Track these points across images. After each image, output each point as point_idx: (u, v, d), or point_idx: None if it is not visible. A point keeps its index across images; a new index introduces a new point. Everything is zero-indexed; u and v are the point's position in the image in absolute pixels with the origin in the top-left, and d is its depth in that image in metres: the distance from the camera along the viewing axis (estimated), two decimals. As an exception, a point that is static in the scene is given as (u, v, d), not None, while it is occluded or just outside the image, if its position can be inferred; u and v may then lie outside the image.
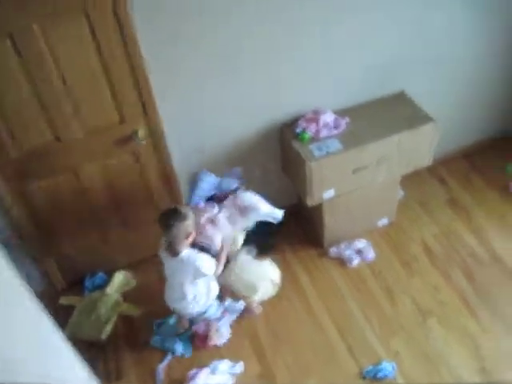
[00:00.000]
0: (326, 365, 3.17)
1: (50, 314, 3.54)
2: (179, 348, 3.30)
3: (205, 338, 3.32)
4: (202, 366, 3.20)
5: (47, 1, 2.53)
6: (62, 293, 3.74)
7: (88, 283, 3.72)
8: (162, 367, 3.23)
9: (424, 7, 3.30)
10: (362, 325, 3.31)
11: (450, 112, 3.92)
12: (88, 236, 3.57)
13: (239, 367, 3.18)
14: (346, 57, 3.33)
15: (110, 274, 3.72)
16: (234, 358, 3.23)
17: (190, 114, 3.21)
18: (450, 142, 4.16)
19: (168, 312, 3.34)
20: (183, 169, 3.46)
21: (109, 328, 3.46)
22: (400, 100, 3.54)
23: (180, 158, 3.40)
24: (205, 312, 3.12)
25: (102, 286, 3.68)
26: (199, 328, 3.36)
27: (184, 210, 2.85)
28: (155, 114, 3.09)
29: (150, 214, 3.56)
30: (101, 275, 3.76)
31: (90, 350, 3.38)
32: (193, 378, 3.10)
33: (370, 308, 3.39)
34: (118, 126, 3.08)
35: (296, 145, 3.30)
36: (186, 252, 2.87)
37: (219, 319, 3.34)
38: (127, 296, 3.65)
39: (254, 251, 3.25)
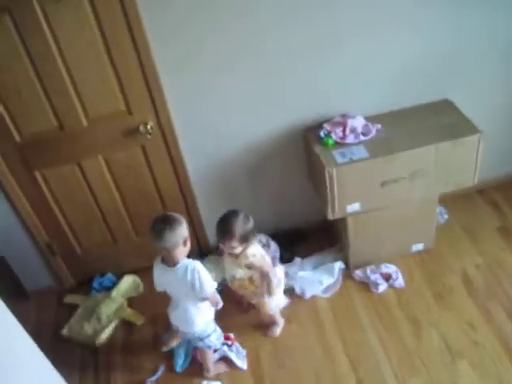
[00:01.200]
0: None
1: (55, 310, 3.52)
2: (178, 362, 3.04)
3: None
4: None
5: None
6: (70, 290, 3.62)
7: (96, 283, 3.58)
8: (152, 380, 2.98)
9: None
10: (379, 358, 2.89)
11: (507, 128, 3.49)
12: (95, 233, 3.43)
13: (232, 392, 2.87)
14: (382, 57, 3.01)
15: (119, 277, 3.56)
16: (230, 381, 2.93)
17: (204, 113, 3.05)
18: (507, 164, 3.71)
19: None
20: (196, 172, 3.26)
21: (106, 334, 3.28)
22: (443, 108, 3.15)
23: (192, 163, 3.21)
24: (207, 336, 2.83)
25: (109, 288, 3.51)
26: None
27: (176, 215, 2.60)
28: (164, 107, 2.92)
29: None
30: (110, 276, 3.60)
31: (83, 352, 3.24)
32: None
33: (390, 340, 2.97)
34: (124, 116, 2.94)
35: (318, 149, 2.99)
36: (184, 262, 2.61)
37: (217, 350, 3.04)
38: (133, 302, 3.47)
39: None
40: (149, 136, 2.98)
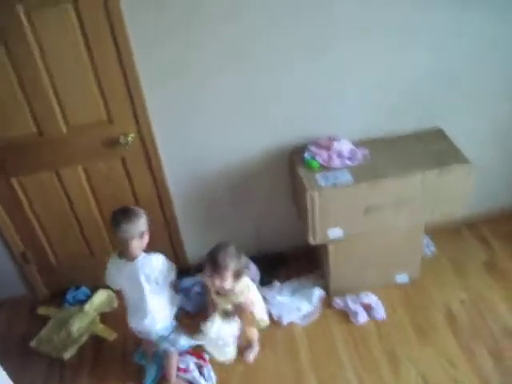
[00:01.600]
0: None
1: (26, 321, 3.41)
2: (150, 376, 2.93)
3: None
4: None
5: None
6: (44, 302, 3.52)
7: (69, 296, 3.48)
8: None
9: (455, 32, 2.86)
10: (354, 393, 2.79)
11: (499, 162, 3.40)
12: (71, 244, 3.33)
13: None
14: (373, 81, 2.93)
15: (94, 290, 3.45)
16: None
17: (187, 128, 2.97)
18: (498, 199, 3.60)
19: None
20: (177, 187, 3.17)
21: (75, 348, 3.17)
22: (434, 137, 3.07)
23: (173, 179, 3.13)
24: (171, 333, 2.79)
25: (83, 302, 3.41)
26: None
27: (136, 208, 2.65)
28: (146, 118, 2.85)
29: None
30: (84, 290, 3.51)
31: (50, 365, 3.14)
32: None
33: (367, 375, 2.83)
34: (105, 125, 2.86)
35: (302, 171, 2.90)
36: (143, 255, 2.64)
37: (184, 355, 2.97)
38: (106, 317, 3.36)
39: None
40: (128, 148, 2.90)
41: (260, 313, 2.88)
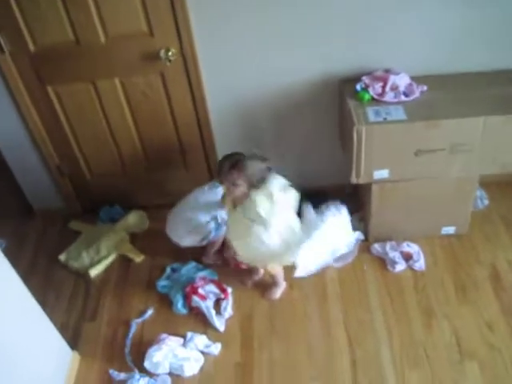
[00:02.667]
0: (316, 373, 2.54)
1: (57, 234, 3.40)
2: (178, 303, 2.85)
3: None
4: (177, 333, 2.73)
5: None
6: (77, 216, 3.50)
7: (102, 214, 3.45)
8: (137, 321, 2.82)
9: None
10: (381, 341, 2.61)
11: None
12: (107, 162, 3.25)
13: (215, 348, 2.65)
14: (443, 9, 2.62)
15: (127, 211, 3.41)
16: (215, 338, 2.71)
17: (232, 48, 2.77)
18: None
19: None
20: (217, 111, 3.00)
21: (102, 266, 3.14)
22: (508, 80, 2.75)
23: (213, 100, 2.95)
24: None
25: (115, 220, 3.37)
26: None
27: None
28: (189, 33, 2.67)
29: (175, 156, 3.21)
30: (117, 209, 3.46)
31: (76, 282, 3.11)
32: (161, 341, 2.65)
33: (397, 325, 2.68)
34: (145, 37, 2.70)
35: (351, 103, 2.68)
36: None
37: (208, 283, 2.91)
38: (135, 238, 3.31)
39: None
40: (168, 63, 2.73)
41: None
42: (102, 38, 2.70)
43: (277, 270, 2.83)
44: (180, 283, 2.95)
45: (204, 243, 2.98)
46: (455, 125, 2.55)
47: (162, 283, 3.00)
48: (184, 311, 2.85)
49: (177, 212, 2.95)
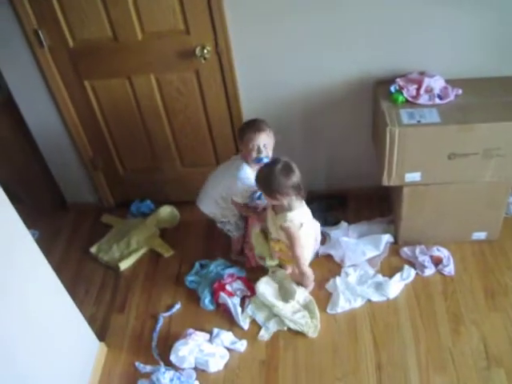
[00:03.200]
0: (341, 374, 2.53)
1: (90, 227, 3.46)
2: (205, 299, 2.88)
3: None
4: (204, 329, 2.76)
5: None
6: (109, 210, 3.57)
7: (133, 208, 3.50)
8: (164, 315, 2.86)
9: None
10: (407, 345, 2.59)
11: None
12: (140, 157, 3.30)
13: (241, 345, 2.67)
14: (481, 12, 2.59)
15: (157, 206, 3.45)
16: (241, 335, 2.73)
17: (267, 46, 2.79)
18: None
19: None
20: (250, 110, 2.99)
21: (132, 260, 3.19)
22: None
23: (247, 98, 2.97)
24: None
25: (146, 215, 3.42)
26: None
27: None
28: (225, 31, 2.69)
29: (207, 153, 3.25)
30: (148, 203, 3.51)
31: (106, 274, 3.18)
32: (188, 336, 2.68)
33: (424, 329, 2.65)
34: (181, 35, 2.74)
35: (384, 105, 2.67)
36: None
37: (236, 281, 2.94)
38: (165, 234, 3.35)
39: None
40: (204, 60, 2.76)
41: (298, 260, 2.70)
42: (139, 35, 2.74)
43: (306, 270, 2.84)
44: (208, 279, 2.98)
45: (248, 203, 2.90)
46: (489, 129, 2.51)
47: (190, 278, 3.03)
48: (211, 307, 2.88)
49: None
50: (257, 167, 2.63)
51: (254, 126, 2.64)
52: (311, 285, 2.89)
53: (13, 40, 2.78)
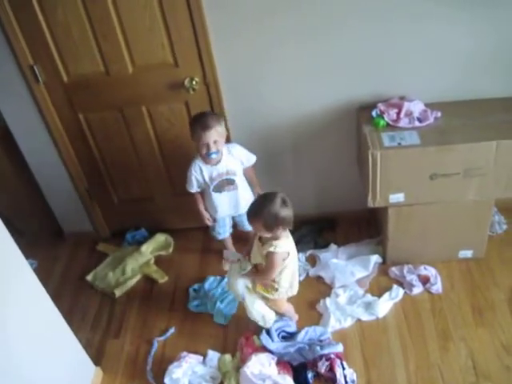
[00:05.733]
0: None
1: (86, 256, 3.54)
2: (219, 315, 2.97)
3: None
4: (197, 351, 2.81)
5: None
6: (104, 240, 3.66)
7: (129, 236, 3.59)
8: (159, 340, 2.91)
9: None
10: (396, 363, 2.64)
11: None
12: (134, 187, 3.41)
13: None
14: (455, 38, 2.72)
15: (152, 233, 3.53)
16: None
17: (253, 77, 2.90)
18: None
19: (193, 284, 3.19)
20: (239, 136, 3.09)
21: (127, 287, 3.26)
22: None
23: (235, 129, 3.07)
24: None
25: (141, 243, 3.49)
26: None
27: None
28: (211, 63, 2.81)
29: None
30: (143, 231, 3.59)
31: (102, 300, 3.24)
32: (181, 359, 2.73)
33: (413, 347, 2.70)
34: (171, 68, 2.86)
35: (367, 129, 2.77)
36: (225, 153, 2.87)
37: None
38: (160, 260, 3.42)
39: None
40: (192, 92, 2.88)
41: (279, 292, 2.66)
42: (130, 69, 2.86)
43: (282, 306, 2.83)
44: (210, 298, 3.05)
45: None
46: (468, 149, 2.61)
47: (194, 303, 3.10)
48: (223, 322, 2.95)
49: None
50: (209, 161, 2.83)
51: (202, 123, 2.70)
52: (294, 316, 2.90)
53: (9, 75, 2.90)
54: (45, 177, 3.38)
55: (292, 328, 2.84)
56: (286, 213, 2.41)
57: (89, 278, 3.34)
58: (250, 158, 2.95)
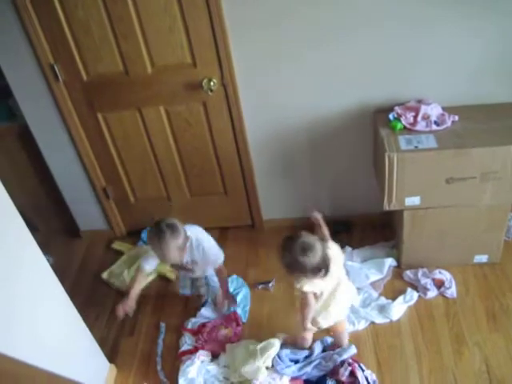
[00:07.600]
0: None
1: (102, 254, 3.57)
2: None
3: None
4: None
5: None
6: (120, 238, 3.70)
7: (144, 235, 3.59)
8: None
9: None
10: (410, 366, 2.63)
11: None
12: (150, 185, 3.43)
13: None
14: (473, 43, 2.71)
15: (167, 232, 3.55)
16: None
17: (271, 79, 2.92)
18: None
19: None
20: (255, 138, 3.13)
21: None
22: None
23: (252, 130, 3.10)
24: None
25: (156, 243, 3.51)
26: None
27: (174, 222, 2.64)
28: (230, 64, 2.83)
29: (215, 182, 3.38)
30: (158, 231, 3.59)
31: (117, 299, 3.22)
32: (193, 356, 2.75)
33: (427, 351, 2.70)
34: (189, 68, 2.88)
35: (383, 132, 2.77)
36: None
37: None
38: (175, 260, 3.44)
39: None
40: (210, 92, 2.90)
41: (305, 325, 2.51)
42: (149, 69, 2.89)
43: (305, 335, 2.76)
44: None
45: None
46: (485, 153, 2.60)
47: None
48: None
49: None
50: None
51: (159, 250, 2.59)
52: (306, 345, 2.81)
53: (30, 74, 2.94)
54: (62, 175, 3.42)
55: (301, 352, 2.76)
56: (306, 260, 2.22)
57: (104, 275, 3.37)
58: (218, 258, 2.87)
